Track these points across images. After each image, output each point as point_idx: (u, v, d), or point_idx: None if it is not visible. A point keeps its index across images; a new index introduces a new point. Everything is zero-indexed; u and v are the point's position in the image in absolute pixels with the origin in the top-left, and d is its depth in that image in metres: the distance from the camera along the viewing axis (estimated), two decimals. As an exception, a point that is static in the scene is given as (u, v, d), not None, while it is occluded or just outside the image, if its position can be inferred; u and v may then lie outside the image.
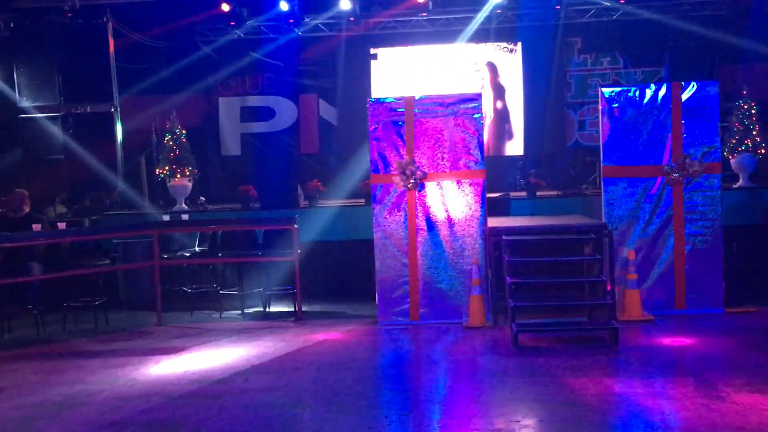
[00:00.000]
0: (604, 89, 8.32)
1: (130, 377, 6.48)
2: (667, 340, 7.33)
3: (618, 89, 8.31)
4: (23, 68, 12.19)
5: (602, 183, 8.35)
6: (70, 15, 11.47)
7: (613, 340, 6.99)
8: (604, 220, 8.18)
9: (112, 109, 12.09)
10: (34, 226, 8.52)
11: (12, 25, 12.06)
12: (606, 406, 5.41)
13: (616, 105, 8.18)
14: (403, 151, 8.22)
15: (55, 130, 12.09)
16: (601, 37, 13.56)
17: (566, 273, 8.12)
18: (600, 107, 8.30)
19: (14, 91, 12.26)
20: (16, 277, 8.20)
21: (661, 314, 8.01)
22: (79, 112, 12.06)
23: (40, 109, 12.27)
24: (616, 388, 5.89)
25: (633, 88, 8.29)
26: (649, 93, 8.18)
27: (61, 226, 8.84)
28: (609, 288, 7.70)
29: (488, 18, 13.25)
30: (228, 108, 14.31)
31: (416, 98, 8.28)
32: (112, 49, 11.89)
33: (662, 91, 8.16)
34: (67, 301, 8.75)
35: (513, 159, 13.82)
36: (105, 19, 11.78)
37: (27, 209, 8.97)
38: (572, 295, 8.20)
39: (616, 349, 6.85)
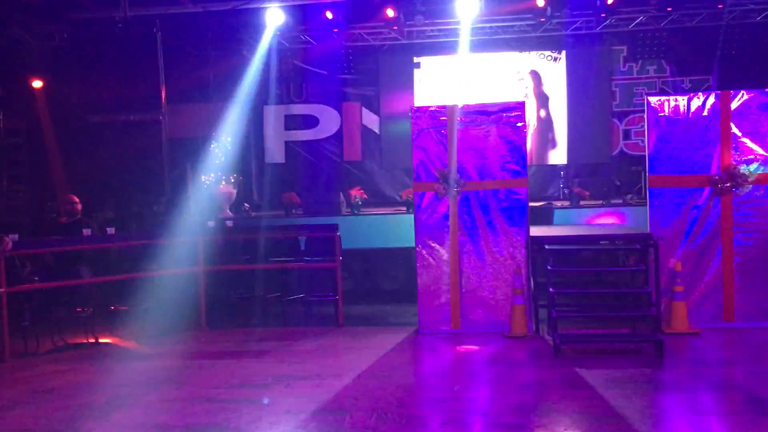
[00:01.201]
0: (650, 98, 8.20)
1: (175, 380, 6.60)
2: (714, 354, 7.18)
3: (665, 98, 8.18)
4: (76, 76, 12.55)
5: (648, 193, 8.22)
6: (121, 26, 11.77)
7: (658, 353, 6.86)
8: (649, 230, 8.05)
9: (161, 117, 12.36)
10: (84, 230, 8.74)
11: (66, 35, 12.44)
12: (650, 420, 5.32)
13: (662, 114, 8.05)
14: (445, 160, 8.21)
15: (106, 137, 12.42)
16: (648, 44, 13.39)
17: (610, 284, 8.03)
18: (646, 116, 8.18)
19: (67, 98, 12.63)
20: (66, 280, 8.42)
21: (709, 327, 7.82)
22: (128, 119, 12.37)
23: (92, 117, 12.62)
24: (660, 402, 5.79)
25: (680, 97, 8.15)
26: (697, 102, 8.03)
27: (110, 231, 9.03)
28: (654, 299, 7.57)
29: (532, 26, 13.20)
30: (272, 116, 14.50)
31: (459, 106, 8.27)
32: (160, 58, 12.16)
33: (710, 100, 8.01)
34: (115, 304, 8.95)
35: (556, 168, 13.71)
36: (155, 30, 12.05)
37: (78, 214, 9.20)
38: (616, 306, 8.08)
39: (661, 362, 6.73)
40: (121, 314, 8.92)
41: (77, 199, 9.24)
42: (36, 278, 8.42)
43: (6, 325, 7.64)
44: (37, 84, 13.04)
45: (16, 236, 8.05)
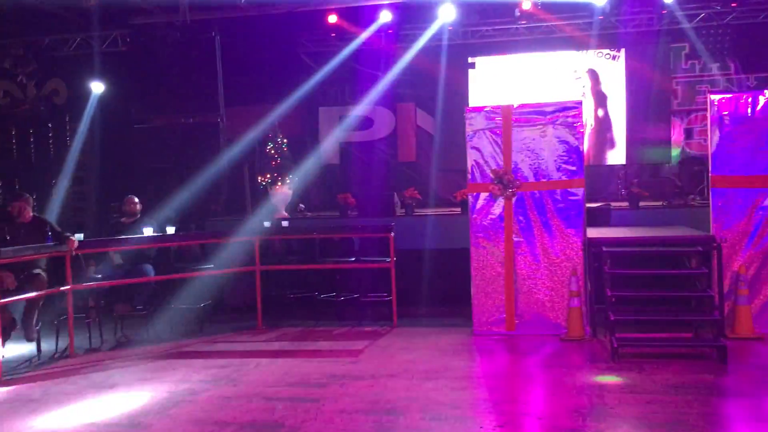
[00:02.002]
0: (713, 96, 7.97)
1: (233, 378, 6.72)
2: (780, 360, 6.93)
3: (729, 96, 7.94)
4: (137, 80, 12.88)
5: (710, 194, 8.00)
6: (181, 30, 12.02)
7: (721, 358, 6.67)
8: (711, 232, 7.83)
9: (219, 120, 12.58)
10: (145, 230, 8.96)
11: (128, 40, 12.79)
12: (712, 428, 5.17)
13: (726, 112, 7.82)
14: (500, 160, 8.15)
15: (166, 139, 12.71)
16: (711, 41, 13.02)
17: (671, 287, 7.81)
18: (709, 115, 7.96)
19: (129, 101, 12.98)
20: (129, 278, 8.67)
21: (775, 332, 7.57)
22: (188, 122, 12.64)
23: (152, 119, 12.93)
24: (723, 409, 5.63)
25: (745, 95, 7.90)
26: (762, 99, 7.76)
27: (170, 230, 9.24)
28: (717, 303, 7.35)
29: (590, 24, 13.00)
30: (327, 117, 14.63)
31: (514, 107, 8.18)
32: (219, 61, 12.39)
33: (777, 98, 7.74)
34: (174, 302, 9.15)
35: (614, 168, 13.47)
36: (213, 34, 12.28)
37: (139, 214, 9.44)
38: (677, 310, 7.87)
39: (725, 368, 6.53)
40: (180, 312, 9.12)
41: (138, 200, 9.49)
42: (99, 276, 8.69)
43: (72, 321, 7.90)
44: (100, 87, 13.45)
45: (81, 236, 8.33)
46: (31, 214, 8.20)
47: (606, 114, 13.71)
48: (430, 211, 11.69)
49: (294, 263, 9.92)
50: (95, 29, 12.94)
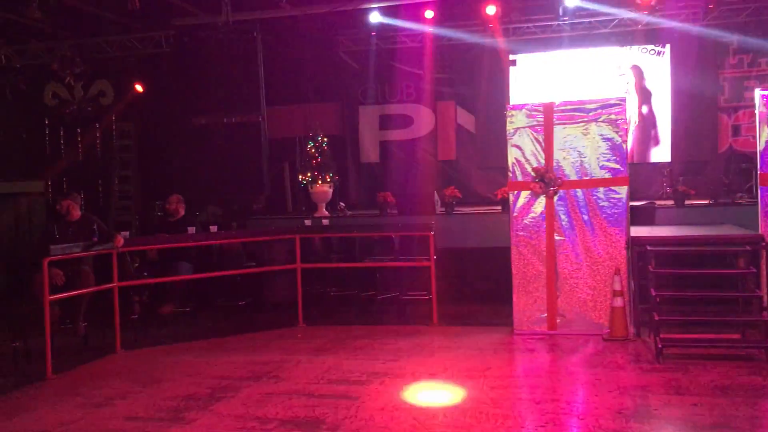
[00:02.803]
0: (762, 91, 7.77)
1: (274, 374, 6.78)
2: (833, 363, 6.73)
3: (778, 91, 7.73)
4: (181, 81, 13.09)
5: (759, 191, 7.79)
6: (223, 30, 12.18)
7: (770, 360, 6.51)
8: (760, 230, 7.63)
9: (260, 119, 12.72)
10: (188, 228, 9.10)
11: (172, 41, 13.00)
12: (760, 431, 5.05)
13: (775, 108, 7.61)
14: (541, 158, 8.06)
15: (208, 139, 12.89)
16: (760, 36, 12.69)
17: (717, 287, 7.65)
18: (757, 111, 7.75)
19: (173, 101, 13.20)
20: (169, 276, 8.81)
21: (826, 334, 7.34)
22: (230, 121, 12.80)
23: (195, 119, 13.13)
24: (772, 411, 5.49)
25: (796, 90, 7.68)
26: (814, 95, 7.55)
27: (213, 229, 9.36)
28: (766, 304, 7.17)
29: (634, 20, 12.79)
30: (367, 116, 14.66)
31: (556, 104, 8.09)
32: (261, 61, 12.52)
33: (829, 93, 7.50)
34: (217, 300, 9.27)
35: (659, 166, 13.23)
36: (255, 33, 12.41)
37: (182, 212, 9.59)
38: (724, 311, 7.70)
39: (774, 370, 6.38)
40: (222, 309, 9.24)
41: (181, 199, 9.63)
42: (145, 273, 8.85)
43: (117, 318, 8.06)
44: (144, 88, 13.71)
45: (126, 233, 8.49)
46: (79, 212, 8.38)
47: (650, 111, 13.47)
48: (470, 210, 11.64)
49: (334, 261, 9.96)
50: (140, 30, 13.17)
